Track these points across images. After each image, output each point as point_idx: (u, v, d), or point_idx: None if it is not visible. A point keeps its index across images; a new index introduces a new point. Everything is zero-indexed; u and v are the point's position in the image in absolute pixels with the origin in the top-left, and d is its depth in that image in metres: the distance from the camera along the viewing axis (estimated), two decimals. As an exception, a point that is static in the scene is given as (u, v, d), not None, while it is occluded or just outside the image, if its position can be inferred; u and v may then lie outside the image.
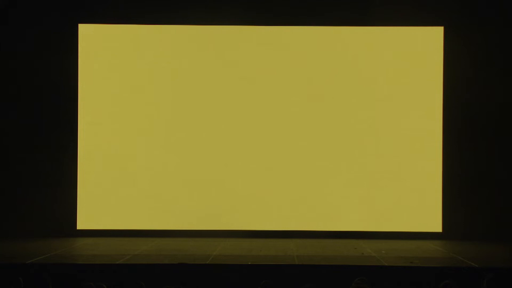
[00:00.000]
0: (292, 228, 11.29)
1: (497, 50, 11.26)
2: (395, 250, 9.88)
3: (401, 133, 11.31)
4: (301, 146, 11.35)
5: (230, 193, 11.32)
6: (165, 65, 11.43)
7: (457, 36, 11.26)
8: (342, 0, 11.38)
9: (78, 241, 10.71)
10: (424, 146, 11.29)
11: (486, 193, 11.15)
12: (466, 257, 9.05)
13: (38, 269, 7.97)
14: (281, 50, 11.42)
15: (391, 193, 11.24)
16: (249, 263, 8.42)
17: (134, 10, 11.36)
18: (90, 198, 11.31)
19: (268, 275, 7.58)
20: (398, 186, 11.24)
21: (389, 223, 11.24)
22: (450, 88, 11.25)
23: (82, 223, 11.31)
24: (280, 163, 11.34)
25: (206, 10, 11.34)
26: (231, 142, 11.38)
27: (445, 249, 10.11)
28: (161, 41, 11.45)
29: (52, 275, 7.06)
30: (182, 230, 11.25)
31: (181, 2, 11.39)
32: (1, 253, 9.26)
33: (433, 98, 11.29)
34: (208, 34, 11.43)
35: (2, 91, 11.32)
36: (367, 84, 11.36)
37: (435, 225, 11.22)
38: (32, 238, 10.74)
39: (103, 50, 11.46)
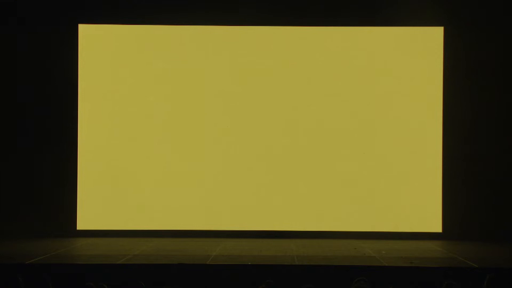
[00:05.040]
0: (292, 228, 11.29)
1: (497, 50, 11.25)
2: (395, 250, 9.88)
3: (401, 132, 11.31)
4: (301, 145, 11.34)
5: (230, 193, 11.32)
6: (165, 65, 11.43)
7: (457, 36, 11.26)
8: (342, 0, 11.37)
9: (78, 241, 10.71)
10: (424, 146, 11.29)
11: (486, 193, 11.15)
12: (466, 257, 9.05)
13: (38, 269, 7.97)
14: (281, 50, 11.41)
15: (391, 193, 11.24)
16: (249, 263, 8.42)
17: (134, 10, 11.36)
18: (90, 198, 11.31)
19: (268, 275, 7.57)
20: (398, 186, 11.24)
21: (389, 223, 11.24)
22: (450, 88, 11.24)
23: (82, 223, 11.31)
24: (280, 163, 11.33)
25: (207, 10, 11.34)
26: (231, 142, 11.38)
27: (445, 249, 10.11)
28: (161, 41, 11.45)
29: (52, 275, 7.08)
30: (182, 230, 11.25)
31: (181, 2, 11.39)
32: (1, 253, 9.25)
33: (433, 98, 11.29)
34: (208, 34, 11.43)
35: (1, 91, 11.32)
36: (367, 84, 11.35)
37: (435, 225, 11.22)
38: (32, 238, 10.74)
39: (103, 50, 11.45)
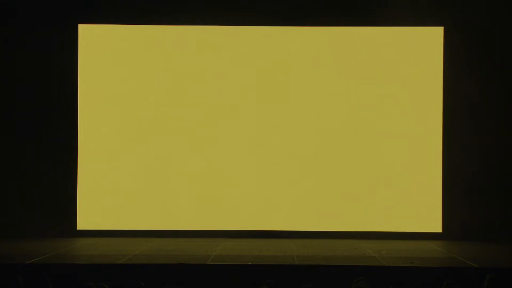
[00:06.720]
0: (292, 228, 11.29)
1: (497, 50, 11.25)
2: (395, 250, 9.88)
3: (401, 132, 11.31)
4: (301, 146, 11.34)
5: (230, 193, 11.32)
6: (165, 65, 11.43)
7: (457, 36, 11.26)
8: (342, 0, 11.37)
9: (78, 241, 10.71)
10: (424, 146, 11.29)
11: (486, 193, 11.14)
12: (466, 257, 9.05)
13: (38, 269, 7.98)
14: (281, 50, 11.41)
15: (391, 193, 11.24)
16: (249, 263, 8.42)
17: (134, 10, 11.35)
18: (90, 198, 11.32)
19: (268, 275, 7.58)
20: (398, 186, 11.23)
21: (389, 223, 11.24)
22: (450, 88, 11.25)
23: (82, 223, 11.31)
24: (280, 163, 11.33)
25: (207, 10, 11.34)
26: (231, 142, 11.38)
27: (445, 249, 10.11)
28: (161, 41, 11.45)
29: (52, 275, 7.09)
30: (182, 230, 11.25)
31: (181, 2, 11.38)
32: (1, 253, 9.26)
33: (433, 98, 11.29)
34: (208, 34, 11.43)
35: (2, 91, 11.32)
36: (367, 84, 11.35)
37: (435, 225, 11.22)
38: (32, 238, 10.75)
39: (103, 50, 11.45)
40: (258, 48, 11.42)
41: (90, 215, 11.31)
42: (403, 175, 11.26)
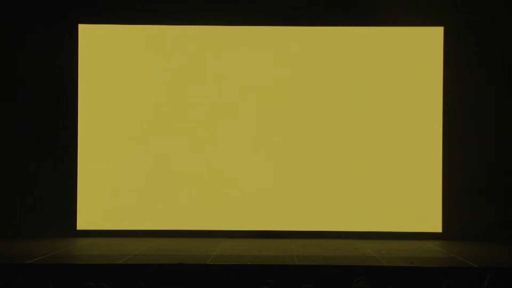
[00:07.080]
0: (293, 228, 11.29)
1: (497, 50, 11.25)
2: (395, 250, 9.88)
3: (401, 132, 11.31)
4: (301, 146, 11.34)
5: (230, 193, 11.32)
6: (165, 65, 11.43)
7: (457, 36, 11.26)
8: (342, 0, 11.38)
9: (78, 241, 10.71)
10: (424, 146, 11.29)
11: (486, 193, 11.14)
12: (466, 257, 9.05)
13: (38, 269, 7.98)
14: (281, 50, 11.41)
15: (391, 193, 11.24)
16: (249, 263, 8.42)
17: (134, 10, 11.35)
18: (90, 198, 11.32)
19: (268, 275, 7.58)
20: (398, 186, 11.23)
21: (389, 223, 11.24)
22: (450, 88, 11.25)
23: (82, 223, 11.31)
24: (280, 163, 11.33)
25: (207, 10, 11.34)
26: (231, 142, 11.38)
27: (445, 249, 10.11)
28: (161, 41, 11.45)
29: (52, 275, 7.09)
30: (182, 230, 11.25)
31: (181, 2, 11.38)
32: (1, 253, 9.26)
33: (433, 98, 11.29)
34: (208, 34, 11.43)
35: (2, 91, 11.32)
36: (367, 84, 11.35)
37: (435, 225, 11.22)
38: (32, 238, 10.75)
39: (103, 50, 11.46)
40: (258, 48, 11.42)
41: (90, 215, 11.32)
42: (403, 175, 11.26)
